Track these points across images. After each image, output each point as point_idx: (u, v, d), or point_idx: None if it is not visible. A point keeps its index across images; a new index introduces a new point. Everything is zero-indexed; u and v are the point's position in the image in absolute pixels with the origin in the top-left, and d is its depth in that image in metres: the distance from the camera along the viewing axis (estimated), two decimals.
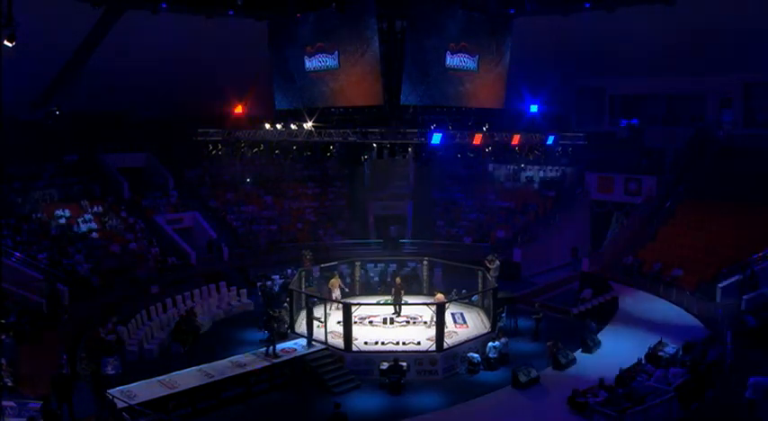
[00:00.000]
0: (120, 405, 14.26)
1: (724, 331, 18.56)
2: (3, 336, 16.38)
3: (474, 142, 26.23)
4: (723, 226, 26.50)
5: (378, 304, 22.73)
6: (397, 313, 21.88)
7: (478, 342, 19.71)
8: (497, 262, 25.31)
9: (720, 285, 22.57)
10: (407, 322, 21.39)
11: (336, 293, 22.65)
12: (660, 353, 17.68)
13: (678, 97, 34.72)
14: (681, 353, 17.49)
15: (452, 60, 27.80)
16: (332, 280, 23.15)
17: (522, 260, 29.59)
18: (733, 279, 22.52)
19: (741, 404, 14.08)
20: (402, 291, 22.85)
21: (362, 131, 24.90)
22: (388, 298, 23.41)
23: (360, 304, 20.13)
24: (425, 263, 25.53)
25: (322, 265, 24.93)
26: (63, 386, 14.29)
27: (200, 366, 17.44)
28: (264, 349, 18.79)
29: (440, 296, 21.60)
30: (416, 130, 25.24)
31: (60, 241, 26.05)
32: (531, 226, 32.42)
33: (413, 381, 17.82)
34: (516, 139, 27.18)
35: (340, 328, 19.13)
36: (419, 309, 21.70)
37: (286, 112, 30.20)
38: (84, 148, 32.06)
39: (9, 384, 15.25)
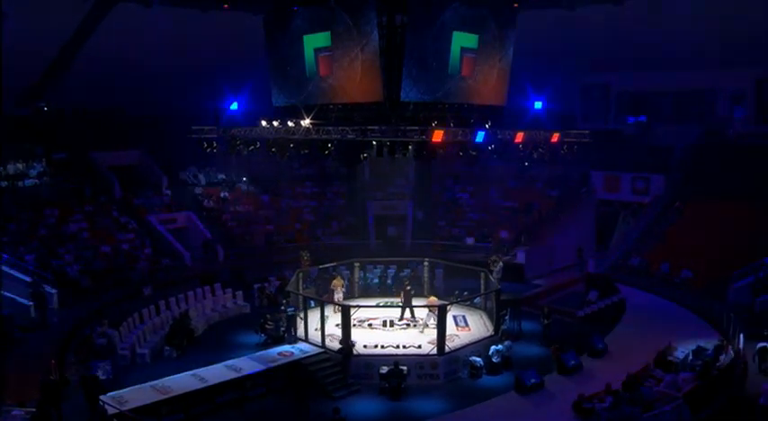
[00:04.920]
0: (111, 411, 14.09)
1: (736, 335, 18.12)
2: None
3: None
4: (734, 226, 26.33)
5: (377, 306, 22.47)
6: (400, 317, 21.47)
7: (481, 345, 19.45)
8: (500, 263, 25.00)
9: (732, 287, 22.14)
10: (408, 325, 21.14)
11: (339, 295, 22.43)
12: (670, 358, 17.33)
13: (687, 93, 34.36)
14: (691, 357, 17.17)
15: (454, 56, 27.34)
16: (334, 280, 23.03)
17: (525, 261, 29.15)
18: (745, 281, 22.05)
19: (755, 411, 13.56)
20: (412, 294, 22.34)
21: (362, 129, 24.56)
22: (395, 300, 22.96)
23: (359, 306, 19.92)
24: (426, 263, 25.30)
25: (320, 266, 24.74)
26: (52, 392, 14.24)
27: (195, 371, 17.28)
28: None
29: (432, 299, 21.29)
30: (416, 128, 24.88)
31: (49, 241, 25.65)
32: (534, 226, 31.95)
33: (413, 386, 17.59)
34: (520, 137, 26.46)
35: (339, 331, 18.86)
36: (419, 312, 21.30)
37: (283, 109, 29.79)
38: (74, 146, 31.53)
39: None
